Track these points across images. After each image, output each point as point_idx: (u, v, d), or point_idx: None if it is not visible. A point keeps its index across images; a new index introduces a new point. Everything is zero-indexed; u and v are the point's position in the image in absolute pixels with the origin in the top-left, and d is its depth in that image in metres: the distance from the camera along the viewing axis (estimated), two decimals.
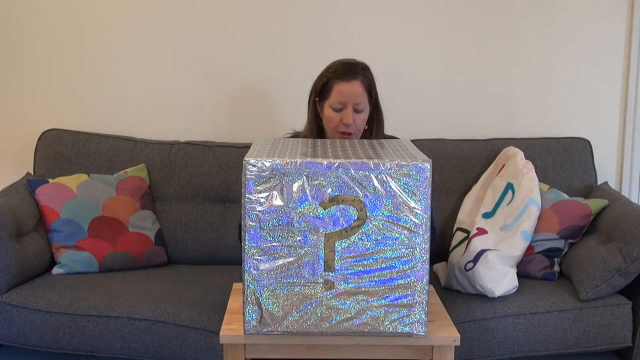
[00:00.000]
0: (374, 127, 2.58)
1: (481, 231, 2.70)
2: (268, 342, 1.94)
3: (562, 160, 3.07)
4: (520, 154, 2.91)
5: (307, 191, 1.84)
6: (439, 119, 3.26)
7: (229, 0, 3.20)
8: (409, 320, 1.90)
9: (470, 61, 3.26)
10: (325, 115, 2.53)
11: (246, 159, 1.83)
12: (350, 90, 2.49)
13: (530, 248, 2.72)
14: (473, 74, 3.27)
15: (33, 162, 3.08)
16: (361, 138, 2.57)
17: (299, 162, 1.83)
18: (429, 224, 1.86)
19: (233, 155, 3.03)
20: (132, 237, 2.86)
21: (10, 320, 2.50)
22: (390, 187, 1.83)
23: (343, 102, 2.49)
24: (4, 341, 2.53)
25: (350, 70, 2.53)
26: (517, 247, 2.65)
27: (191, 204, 3.01)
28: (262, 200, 1.84)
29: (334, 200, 1.84)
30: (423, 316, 1.90)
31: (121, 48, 3.23)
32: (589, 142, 3.14)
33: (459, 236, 2.82)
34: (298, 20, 3.22)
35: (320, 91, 2.56)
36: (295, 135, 2.69)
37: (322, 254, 1.86)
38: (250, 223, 1.85)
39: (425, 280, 1.88)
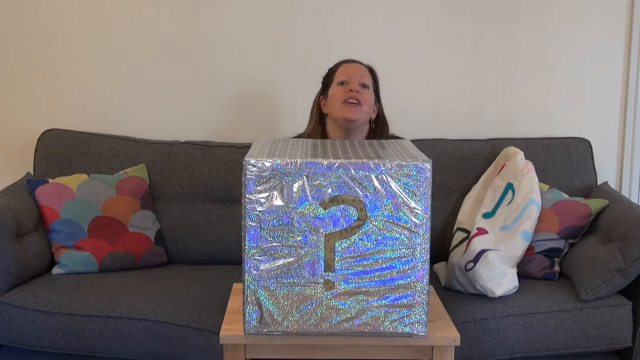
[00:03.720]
0: (379, 129, 2.58)
1: (481, 231, 2.70)
2: (268, 342, 1.93)
3: (562, 160, 3.07)
4: (520, 154, 2.91)
5: (308, 191, 1.84)
6: (439, 119, 3.26)
7: (229, 0, 3.20)
8: (409, 321, 1.90)
9: (470, 61, 3.26)
10: (330, 95, 2.54)
11: (246, 159, 1.83)
12: (354, 67, 2.56)
13: (530, 248, 2.72)
14: (473, 74, 3.26)
15: (33, 162, 3.08)
16: (367, 138, 2.58)
17: (299, 162, 1.83)
18: (429, 224, 1.86)
19: (233, 155, 3.03)
20: (132, 237, 2.86)
21: (10, 320, 2.50)
22: (391, 187, 1.83)
23: (348, 74, 2.52)
24: (4, 341, 2.53)
25: (353, 59, 2.59)
26: (518, 247, 2.65)
27: (191, 204, 3.01)
28: (262, 200, 1.84)
29: (334, 200, 1.84)
30: (423, 316, 1.90)
31: (121, 48, 3.22)
32: (589, 142, 3.14)
33: (459, 236, 2.82)
34: (298, 21, 3.22)
35: (324, 86, 2.57)
36: (298, 137, 2.69)
37: (322, 254, 1.86)
38: (251, 223, 1.85)
39: (425, 280, 1.88)
